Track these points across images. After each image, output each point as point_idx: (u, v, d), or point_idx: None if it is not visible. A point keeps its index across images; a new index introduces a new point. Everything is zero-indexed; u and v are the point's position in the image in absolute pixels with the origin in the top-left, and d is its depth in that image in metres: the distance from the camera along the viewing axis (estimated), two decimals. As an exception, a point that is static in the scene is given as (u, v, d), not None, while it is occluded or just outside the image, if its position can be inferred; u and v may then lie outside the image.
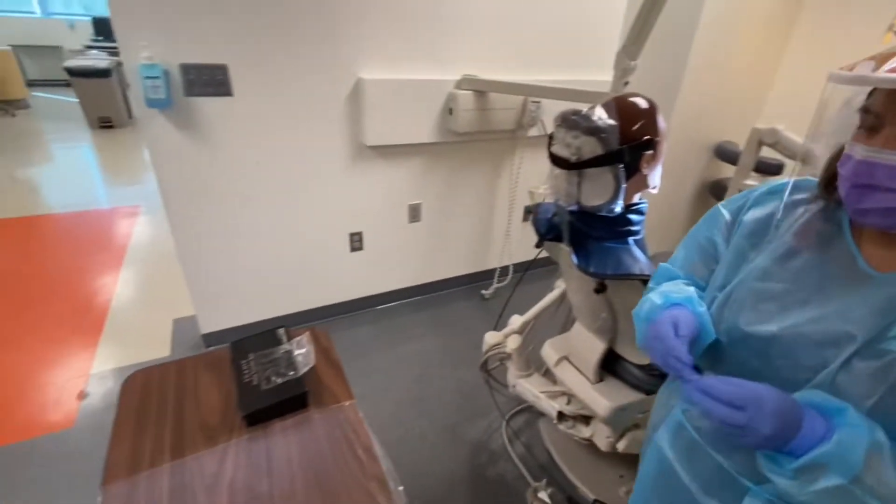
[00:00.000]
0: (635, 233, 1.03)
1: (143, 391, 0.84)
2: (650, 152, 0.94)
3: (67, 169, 4.43)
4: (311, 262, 2.21)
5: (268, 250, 2.07)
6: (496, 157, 2.44)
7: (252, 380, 0.81)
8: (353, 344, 2.25)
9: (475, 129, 2.13)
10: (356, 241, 2.28)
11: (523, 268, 2.29)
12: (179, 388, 0.85)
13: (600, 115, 0.91)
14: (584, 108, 0.95)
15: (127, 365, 2.02)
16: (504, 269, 2.72)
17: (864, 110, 0.49)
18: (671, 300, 0.65)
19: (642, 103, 0.95)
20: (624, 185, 0.93)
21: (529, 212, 2.63)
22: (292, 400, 0.80)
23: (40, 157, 4.67)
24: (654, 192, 1.01)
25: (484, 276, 2.76)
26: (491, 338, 1.55)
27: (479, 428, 1.82)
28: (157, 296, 2.55)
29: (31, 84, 7.16)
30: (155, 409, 0.81)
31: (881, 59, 0.44)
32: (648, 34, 1.24)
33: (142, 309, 2.43)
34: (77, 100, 5.52)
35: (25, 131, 5.48)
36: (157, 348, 2.14)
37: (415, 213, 2.35)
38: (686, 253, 0.75)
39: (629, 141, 0.91)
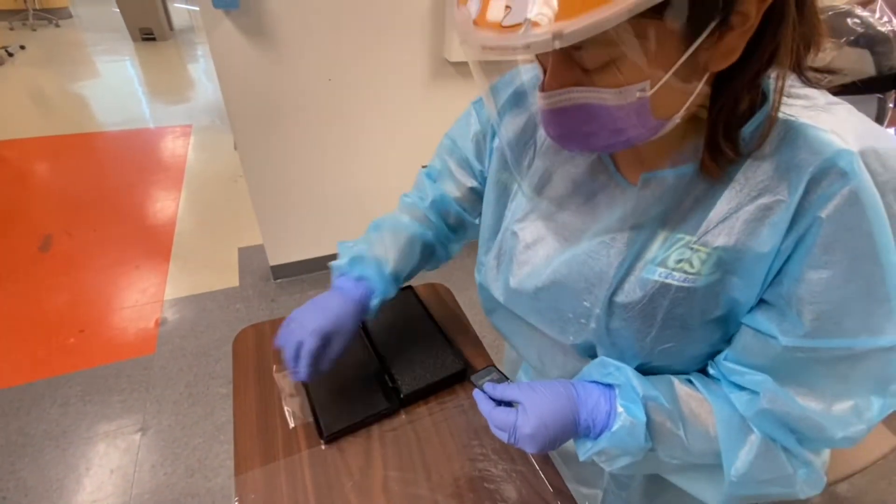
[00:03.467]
0: None
1: (257, 353, 0.72)
2: None
3: (114, 84, 4.30)
4: (383, 195, 2.03)
5: (339, 180, 1.89)
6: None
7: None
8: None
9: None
10: (428, 174, 2.07)
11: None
12: (296, 351, 0.72)
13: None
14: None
15: (199, 293, 1.99)
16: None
17: None
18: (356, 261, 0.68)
19: None
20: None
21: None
22: (449, 378, 0.65)
23: (87, 72, 4.55)
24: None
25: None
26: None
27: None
28: (220, 221, 2.47)
29: (71, -9, 6.85)
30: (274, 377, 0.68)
31: None
32: None
33: (206, 235, 2.37)
34: (118, 9, 5.26)
35: (70, 43, 5.33)
36: (226, 277, 2.09)
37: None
38: (441, 164, 0.65)
39: None
